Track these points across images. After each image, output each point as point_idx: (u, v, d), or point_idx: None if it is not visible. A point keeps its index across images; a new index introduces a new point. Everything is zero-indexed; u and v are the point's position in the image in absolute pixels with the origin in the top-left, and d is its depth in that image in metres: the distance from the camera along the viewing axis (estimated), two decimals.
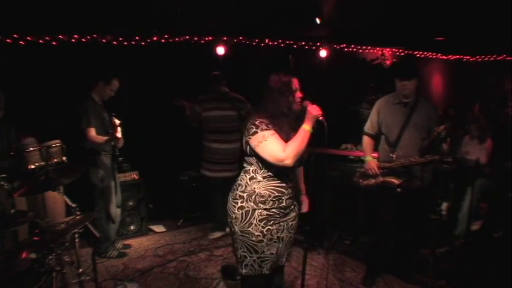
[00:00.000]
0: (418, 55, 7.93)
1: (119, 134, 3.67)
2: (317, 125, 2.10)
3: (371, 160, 3.15)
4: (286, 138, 2.09)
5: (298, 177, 2.45)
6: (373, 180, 3.13)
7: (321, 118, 2.08)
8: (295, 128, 2.13)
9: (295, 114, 2.18)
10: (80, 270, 2.67)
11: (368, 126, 3.27)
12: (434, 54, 8.12)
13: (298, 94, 2.18)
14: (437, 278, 3.14)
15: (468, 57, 8.53)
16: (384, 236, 3.27)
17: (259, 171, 2.15)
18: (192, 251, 4.06)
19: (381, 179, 3.08)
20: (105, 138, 3.60)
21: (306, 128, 2.06)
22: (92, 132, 3.59)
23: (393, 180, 3.00)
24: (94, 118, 3.63)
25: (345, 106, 5.41)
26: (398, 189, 2.96)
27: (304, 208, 2.45)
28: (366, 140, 3.27)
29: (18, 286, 2.23)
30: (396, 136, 3.06)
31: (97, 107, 3.72)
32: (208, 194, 4.45)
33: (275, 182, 2.14)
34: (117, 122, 3.70)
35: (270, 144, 2.03)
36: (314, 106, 2.11)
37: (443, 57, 8.34)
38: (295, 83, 2.18)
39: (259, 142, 2.04)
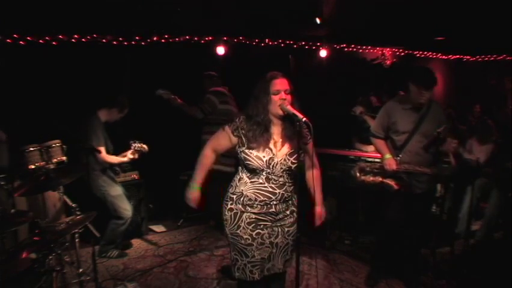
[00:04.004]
0: (418, 55, 7.92)
1: (131, 155, 3.76)
2: (303, 127, 1.96)
3: (390, 157, 3.00)
4: (256, 145, 2.03)
5: (310, 186, 2.25)
6: (371, 178, 3.07)
7: (304, 119, 1.90)
8: (285, 132, 2.07)
9: (276, 118, 2.06)
10: (80, 270, 2.68)
11: (376, 129, 3.16)
12: (434, 54, 8.11)
13: (280, 96, 2.00)
14: (437, 278, 3.14)
15: (468, 57, 8.51)
16: (391, 236, 3.22)
17: (245, 172, 2.12)
18: (192, 251, 4.06)
19: (380, 179, 3.02)
20: (119, 159, 3.72)
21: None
22: (104, 151, 3.58)
23: (391, 183, 2.95)
24: (102, 137, 3.62)
25: (345, 106, 5.39)
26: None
27: (317, 221, 2.27)
28: (378, 141, 3.15)
29: (18, 286, 2.23)
30: (404, 141, 3.01)
31: (101, 126, 3.69)
32: (211, 189, 4.37)
33: (260, 186, 2.07)
34: (145, 147, 3.81)
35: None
36: None
37: (443, 57, 8.33)
38: (278, 84, 2.02)
39: None
